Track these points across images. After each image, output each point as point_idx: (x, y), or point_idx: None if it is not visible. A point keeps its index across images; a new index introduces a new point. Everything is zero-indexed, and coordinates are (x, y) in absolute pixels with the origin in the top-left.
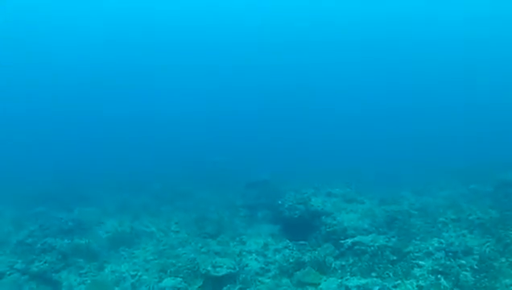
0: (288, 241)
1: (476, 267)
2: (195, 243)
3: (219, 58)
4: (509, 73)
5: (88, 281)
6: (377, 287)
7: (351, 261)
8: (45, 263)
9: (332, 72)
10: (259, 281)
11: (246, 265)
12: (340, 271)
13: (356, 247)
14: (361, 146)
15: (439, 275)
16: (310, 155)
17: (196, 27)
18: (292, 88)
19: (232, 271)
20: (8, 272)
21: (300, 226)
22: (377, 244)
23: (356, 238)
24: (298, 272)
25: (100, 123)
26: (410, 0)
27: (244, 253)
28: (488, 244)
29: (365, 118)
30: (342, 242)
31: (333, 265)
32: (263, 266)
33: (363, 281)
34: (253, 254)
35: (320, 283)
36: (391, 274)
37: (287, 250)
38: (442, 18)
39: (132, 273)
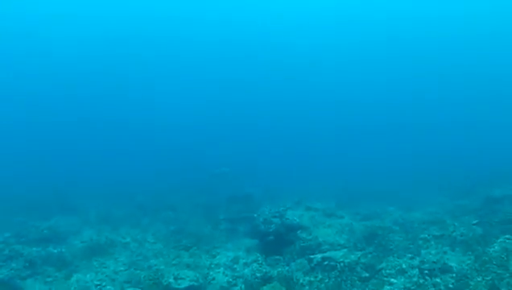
0: (259, 255)
1: (451, 285)
2: (167, 255)
3: (212, 70)
4: (502, 89)
5: (53, 289)
6: None
7: (320, 277)
8: (11, 269)
9: (317, 87)
10: None
11: (213, 278)
12: (307, 287)
13: (325, 263)
14: (351, 161)
15: None
16: (297, 170)
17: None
18: (280, 103)
19: (195, 283)
20: None
21: (276, 240)
22: (347, 260)
23: (326, 254)
24: (264, 287)
25: (91, 132)
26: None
27: (213, 266)
28: (468, 262)
29: (357, 134)
30: (312, 257)
31: (301, 281)
32: (230, 280)
33: None
34: (222, 268)
35: None
36: None
37: (256, 265)
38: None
39: (96, 283)
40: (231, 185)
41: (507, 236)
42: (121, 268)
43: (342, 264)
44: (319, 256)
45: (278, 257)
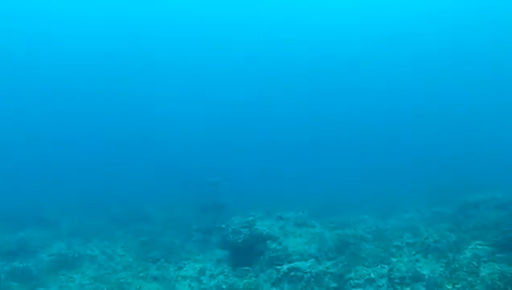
0: (226, 266)
1: None
2: (136, 268)
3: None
4: (480, 96)
5: None
6: None
7: (286, 288)
8: None
9: (292, 100)
10: None
11: None
12: None
13: (292, 273)
14: (328, 172)
15: None
16: (273, 180)
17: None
18: (256, 116)
19: None
20: None
21: (245, 251)
22: (314, 270)
23: (293, 264)
24: None
25: (68, 144)
26: None
27: (179, 278)
28: (440, 270)
29: (334, 144)
30: (279, 267)
31: None
32: None
33: None
34: (188, 280)
35: None
36: None
37: (222, 276)
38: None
39: None
40: (207, 196)
41: (478, 242)
42: (87, 282)
43: (309, 275)
44: (285, 267)
45: (247, 268)
